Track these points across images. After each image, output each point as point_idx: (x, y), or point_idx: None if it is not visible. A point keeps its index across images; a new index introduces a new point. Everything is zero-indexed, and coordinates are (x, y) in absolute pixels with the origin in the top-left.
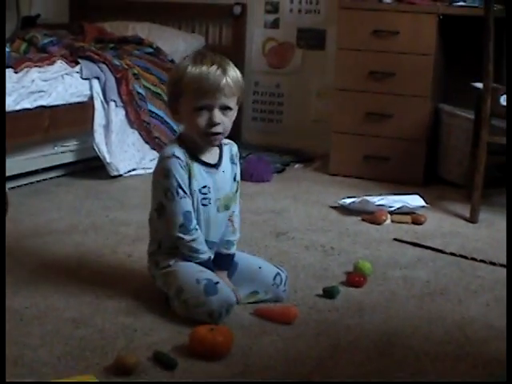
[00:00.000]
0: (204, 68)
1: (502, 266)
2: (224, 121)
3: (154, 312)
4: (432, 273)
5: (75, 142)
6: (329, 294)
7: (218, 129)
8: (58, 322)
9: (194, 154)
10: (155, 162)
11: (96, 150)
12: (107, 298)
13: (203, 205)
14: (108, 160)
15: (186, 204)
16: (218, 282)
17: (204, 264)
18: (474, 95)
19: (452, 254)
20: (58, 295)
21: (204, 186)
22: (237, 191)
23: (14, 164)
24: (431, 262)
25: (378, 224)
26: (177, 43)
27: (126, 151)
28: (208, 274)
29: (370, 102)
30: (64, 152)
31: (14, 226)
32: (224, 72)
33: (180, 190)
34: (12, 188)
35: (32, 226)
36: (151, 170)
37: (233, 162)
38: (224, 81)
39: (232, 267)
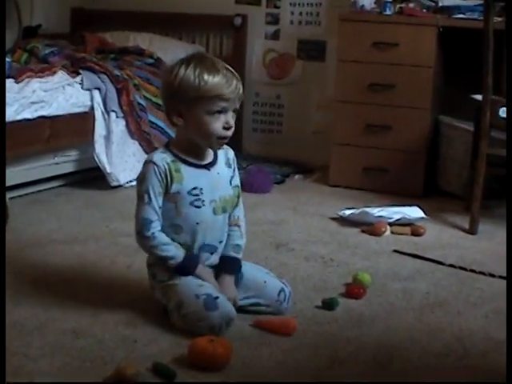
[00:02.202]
0: (221, 75)
1: (501, 277)
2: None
3: (154, 323)
4: (431, 284)
5: (76, 153)
6: (328, 305)
7: (231, 132)
8: (58, 333)
9: (183, 156)
10: None
11: (96, 160)
12: (107, 308)
13: (196, 206)
14: (108, 170)
15: (147, 211)
16: (217, 297)
17: (182, 267)
18: (473, 107)
19: (451, 265)
20: (58, 306)
21: (194, 188)
22: (238, 197)
23: (15, 174)
24: (430, 274)
25: (378, 235)
26: (177, 54)
27: (127, 161)
28: (207, 288)
29: (370, 114)
30: (64, 162)
31: (14, 236)
32: (237, 78)
33: (146, 196)
34: (12, 198)
35: (32, 236)
36: None
37: (229, 166)
38: (240, 86)
39: (237, 276)
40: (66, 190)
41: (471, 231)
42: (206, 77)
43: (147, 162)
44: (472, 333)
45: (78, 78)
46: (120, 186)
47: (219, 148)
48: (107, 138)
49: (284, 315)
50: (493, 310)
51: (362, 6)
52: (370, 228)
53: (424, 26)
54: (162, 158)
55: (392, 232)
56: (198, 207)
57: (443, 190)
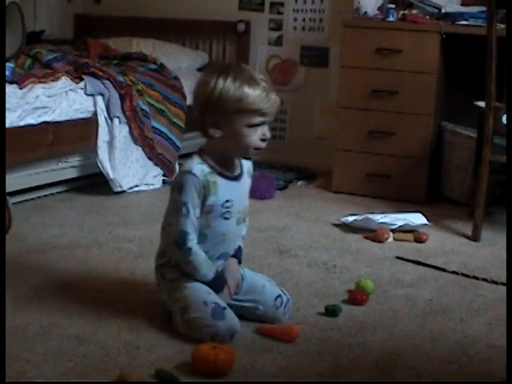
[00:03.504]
0: (261, 88)
1: (503, 284)
2: None
3: (157, 329)
4: (434, 291)
5: (79, 158)
6: (331, 312)
7: (265, 144)
8: (61, 339)
9: (219, 168)
10: (158, 178)
11: (99, 166)
12: (110, 314)
13: (225, 218)
14: (111, 176)
15: (185, 223)
16: (225, 308)
17: (212, 283)
18: (476, 114)
19: (454, 272)
20: (61, 312)
21: (227, 200)
22: None
23: (18, 179)
24: (433, 281)
25: (380, 242)
26: (181, 60)
27: (130, 167)
28: (215, 297)
29: (373, 120)
30: (67, 168)
31: (16, 242)
32: (273, 90)
33: (184, 208)
34: (15, 203)
35: (35, 242)
36: (154, 187)
37: (249, 176)
38: (278, 100)
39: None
40: (69, 195)
41: (474, 238)
42: (246, 90)
43: (186, 172)
44: (475, 340)
45: (82, 84)
46: (123, 191)
47: (250, 158)
48: (110, 143)
49: (281, 321)
50: (496, 317)
51: (365, 12)
52: (373, 234)
53: (427, 32)
54: (201, 169)
55: (395, 238)
56: (227, 219)
57: (446, 196)
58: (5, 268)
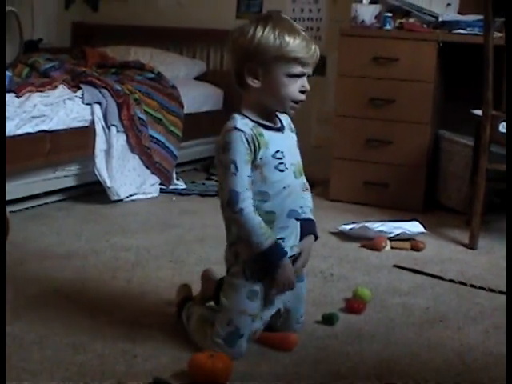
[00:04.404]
0: (301, 37)
1: (501, 292)
2: None
3: (154, 338)
4: (431, 300)
5: (76, 167)
6: (328, 320)
7: (304, 96)
8: (58, 348)
9: (261, 121)
10: (156, 186)
11: (97, 174)
12: (107, 323)
13: (280, 170)
14: (109, 185)
15: (234, 182)
16: (242, 335)
17: (268, 254)
18: (473, 122)
19: (451, 280)
20: (58, 320)
21: (277, 151)
22: None
23: (15, 188)
24: (430, 289)
25: (378, 250)
26: (178, 68)
27: (127, 176)
28: (243, 320)
29: (370, 129)
30: (65, 176)
31: (14, 250)
32: (313, 42)
33: (232, 166)
34: (13, 212)
35: (32, 251)
36: (152, 195)
37: (292, 131)
38: (318, 51)
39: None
40: (66, 204)
41: (471, 246)
42: (287, 38)
43: (229, 130)
44: (472, 348)
45: (79, 93)
46: (120, 200)
47: (290, 112)
48: (108, 152)
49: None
50: (493, 325)
51: (363, 21)
52: (370, 243)
53: (424, 41)
54: (245, 123)
55: (392, 247)
56: (282, 171)
57: (443, 204)
58: (5, 276)
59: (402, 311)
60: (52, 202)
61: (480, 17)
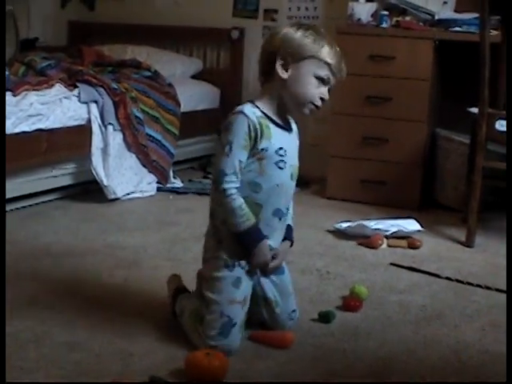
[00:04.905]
0: (338, 52)
1: (497, 290)
2: None
3: (150, 336)
4: (428, 297)
5: (73, 165)
6: (324, 318)
7: (321, 103)
8: (54, 346)
9: (271, 116)
10: (153, 185)
11: (93, 173)
12: (103, 321)
13: (279, 167)
14: (105, 183)
15: (225, 163)
16: (235, 324)
17: (247, 234)
18: (469, 120)
19: (448, 278)
20: (54, 319)
21: (280, 148)
22: None
23: (12, 187)
24: (427, 287)
25: (374, 248)
26: (175, 67)
27: (124, 174)
28: (235, 308)
29: (367, 127)
30: (62, 175)
31: (11, 249)
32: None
33: (227, 147)
34: (10, 210)
35: (29, 249)
36: (148, 193)
37: (297, 136)
38: (345, 73)
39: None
40: (63, 202)
41: (468, 244)
42: (326, 45)
43: (236, 113)
44: (468, 345)
45: (76, 91)
46: (117, 198)
47: (305, 114)
48: (104, 150)
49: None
50: (489, 323)
51: (359, 19)
52: (367, 241)
53: (420, 39)
54: (253, 111)
55: (389, 245)
56: (281, 168)
57: (440, 202)
58: (5, 274)
59: (398, 309)
60: (49, 201)
61: (476, 15)
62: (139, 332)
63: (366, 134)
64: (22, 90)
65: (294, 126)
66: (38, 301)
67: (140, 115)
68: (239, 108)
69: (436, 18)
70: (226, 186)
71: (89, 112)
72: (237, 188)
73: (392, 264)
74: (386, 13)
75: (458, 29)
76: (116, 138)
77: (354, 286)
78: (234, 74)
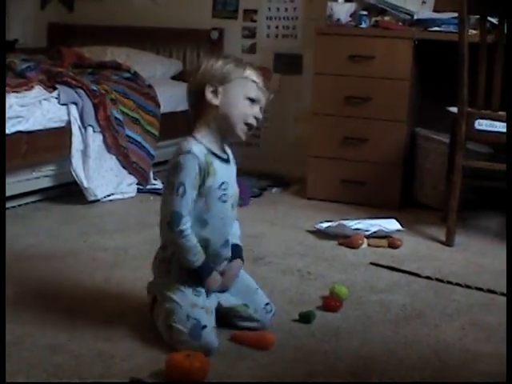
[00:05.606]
0: (258, 73)
1: (477, 289)
2: None
3: (132, 338)
4: (408, 297)
5: (53, 167)
6: (305, 319)
7: (255, 123)
8: (35, 349)
9: (214, 150)
10: (133, 186)
11: (74, 175)
12: (84, 324)
13: (223, 201)
14: (86, 185)
15: (180, 204)
16: (204, 326)
17: (199, 270)
18: (449, 119)
19: (428, 277)
20: (35, 321)
21: (223, 182)
22: None
23: None
24: (407, 286)
25: (355, 248)
26: (154, 68)
27: (104, 176)
28: (199, 312)
29: (347, 127)
30: (42, 177)
31: None
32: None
33: (181, 188)
34: None
35: (9, 252)
36: (129, 195)
37: (234, 163)
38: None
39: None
40: (43, 204)
41: (448, 243)
42: (248, 67)
43: (186, 152)
44: (449, 345)
45: (55, 93)
46: (97, 200)
47: (243, 137)
48: (84, 152)
49: (265, 326)
50: (469, 322)
51: (338, 19)
52: (347, 241)
53: (400, 38)
54: (200, 149)
55: (369, 244)
56: (224, 202)
57: (420, 201)
58: (5, 273)
59: (378, 308)
60: (29, 203)
61: (455, 14)
62: (120, 334)
63: (346, 134)
64: None
65: (230, 155)
66: (19, 303)
67: (120, 117)
68: (187, 147)
69: (415, 17)
70: (182, 227)
71: (68, 114)
72: (191, 227)
73: (372, 264)
74: (365, 13)
75: (436, 28)
76: (96, 140)
77: (334, 285)
78: None
